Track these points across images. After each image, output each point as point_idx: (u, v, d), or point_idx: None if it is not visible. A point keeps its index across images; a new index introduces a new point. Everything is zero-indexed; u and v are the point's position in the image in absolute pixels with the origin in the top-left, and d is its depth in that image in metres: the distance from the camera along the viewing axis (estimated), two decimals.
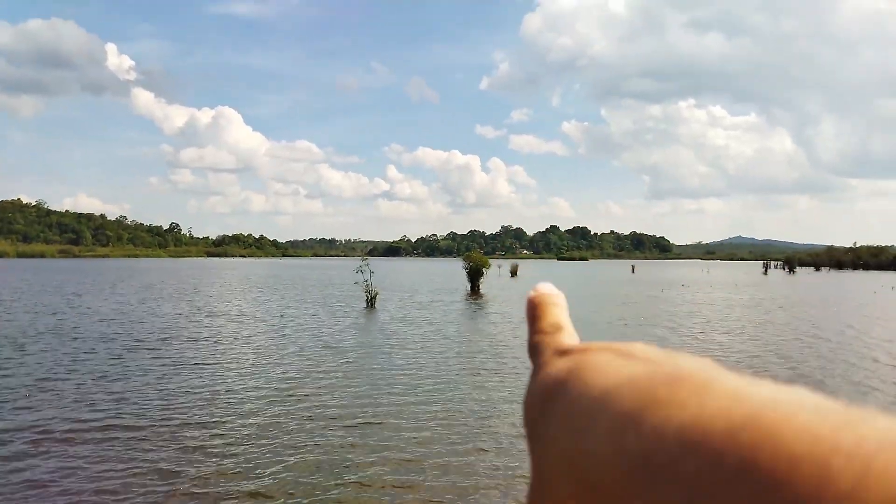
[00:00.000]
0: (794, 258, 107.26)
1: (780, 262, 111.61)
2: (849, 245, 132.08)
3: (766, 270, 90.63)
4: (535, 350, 0.31)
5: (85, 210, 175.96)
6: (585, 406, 0.23)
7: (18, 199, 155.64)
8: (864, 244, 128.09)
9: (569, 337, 0.31)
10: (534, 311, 0.34)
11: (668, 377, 0.21)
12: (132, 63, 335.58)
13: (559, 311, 0.34)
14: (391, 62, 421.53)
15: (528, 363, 0.30)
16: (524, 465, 6.63)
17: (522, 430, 0.28)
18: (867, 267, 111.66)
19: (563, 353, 0.28)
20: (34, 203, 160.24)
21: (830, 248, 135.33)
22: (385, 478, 6.37)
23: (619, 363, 0.24)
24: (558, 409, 0.25)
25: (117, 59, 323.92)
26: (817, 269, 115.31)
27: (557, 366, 0.27)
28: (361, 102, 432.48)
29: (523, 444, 6.03)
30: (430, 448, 7.25)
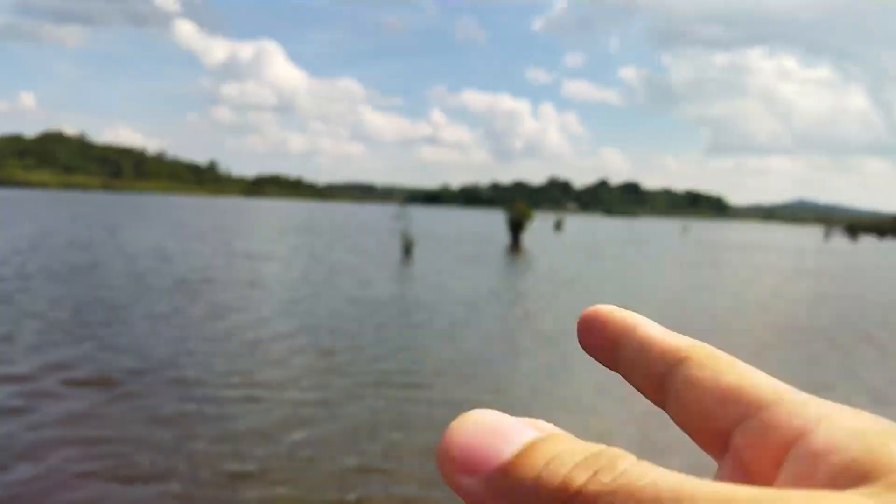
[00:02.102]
0: (857, 224, 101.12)
1: (841, 228, 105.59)
2: None
3: (826, 237, 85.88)
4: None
5: (125, 143, 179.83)
6: None
7: (60, 130, 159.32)
8: None
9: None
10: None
11: None
12: None
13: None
14: (440, 1, 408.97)
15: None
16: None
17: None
18: None
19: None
20: (76, 135, 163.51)
21: None
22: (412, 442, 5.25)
23: None
24: None
25: None
26: (881, 236, 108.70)
27: None
28: (407, 42, 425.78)
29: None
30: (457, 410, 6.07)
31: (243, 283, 15.19)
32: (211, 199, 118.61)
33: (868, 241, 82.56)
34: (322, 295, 14.06)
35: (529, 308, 14.01)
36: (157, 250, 21.51)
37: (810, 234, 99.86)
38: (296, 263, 20.33)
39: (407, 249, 24.30)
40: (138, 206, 60.29)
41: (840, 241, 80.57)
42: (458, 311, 12.69)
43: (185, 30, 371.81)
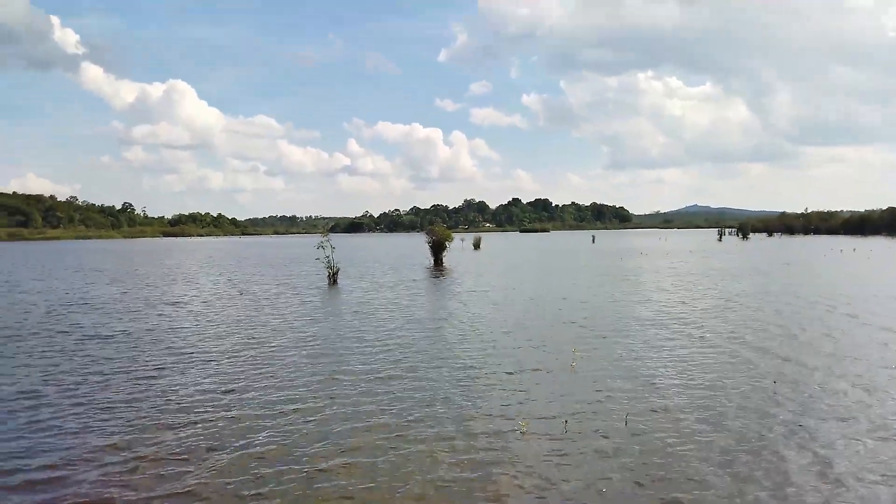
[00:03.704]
0: (747, 224, 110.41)
1: (734, 229, 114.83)
2: (800, 211, 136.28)
3: (720, 237, 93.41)
4: None
5: (34, 191, 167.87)
6: None
7: None
8: (815, 210, 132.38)
9: None
10: None
11: None
12: (77, 37, 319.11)
13: None
14: (347, 35, 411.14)
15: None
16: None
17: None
18: (818, 232, 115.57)
19: None
20: None
21: (783, 215, 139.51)
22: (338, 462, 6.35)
23: None
24: None
25: (62, 33, 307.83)
26: (770, 234, 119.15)
27: None
28: (319, 77, 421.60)
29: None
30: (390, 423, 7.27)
31: (155, 328, 15.61)
32: (128, 242, 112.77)
33: (757, 239, 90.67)
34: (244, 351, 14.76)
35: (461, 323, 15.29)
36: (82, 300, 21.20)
37: (706, 237, 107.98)
38: (216, 300, 20.66)
39: (333, 277, 25.13)
40: (48, 253, 57.02)
41: (732, 239, 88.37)
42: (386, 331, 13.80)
43: (92, 73, 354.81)
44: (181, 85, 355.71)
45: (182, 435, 6.86)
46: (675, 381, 8.95)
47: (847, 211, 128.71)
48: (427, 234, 37.17)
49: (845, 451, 6.30)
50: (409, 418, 7.35)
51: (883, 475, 5.71)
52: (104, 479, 5.78)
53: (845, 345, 11.50)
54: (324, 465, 6.01)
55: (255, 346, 11.69)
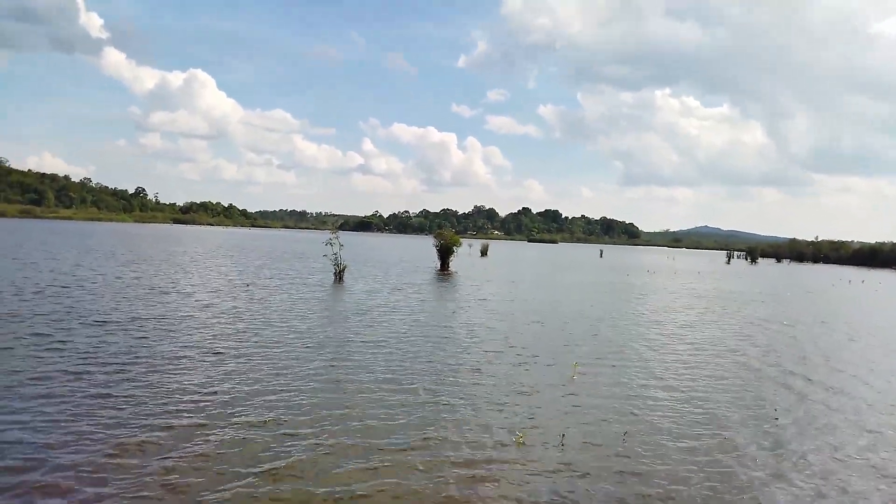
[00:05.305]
0: (756, 249, 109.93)
1: (743, 253, 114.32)
2: (811, 239, 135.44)
3: (729, 260, 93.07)
4: None
5: (49, 171, 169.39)
6: None
7: None
8: (826, 239, 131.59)
9: None
10: None
11: None
12: (102, 21, 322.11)
13: None
14: (370, 35, 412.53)
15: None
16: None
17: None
18: (827, 260, 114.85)
19: None
20: None
21: (793, 241, 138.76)
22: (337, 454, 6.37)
23: None
24: None
25: (87, 17, 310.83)
26: (779, 260, 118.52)
27: None
28: (338, 74, 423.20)
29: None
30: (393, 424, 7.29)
31: (159, 317, 15.72)
32: (138, 226, 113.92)
33: (765, 264, 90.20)
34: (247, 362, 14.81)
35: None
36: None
37: (714, 258, 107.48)
38: (222, 293, 20.76)
39: (339, 275, 25.20)
40: (61, 233, 57.63)
41: (740, 263, 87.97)
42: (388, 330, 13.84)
43: (114, 58, 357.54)
44: (201, 74, 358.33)
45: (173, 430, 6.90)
46: (677, 401, 8.91)
47: (857, 242, 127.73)
48: (435, 237, 37.20)
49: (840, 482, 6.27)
50: (402, 422, 7.37)
51: None
52: (98, 469, 5.83)
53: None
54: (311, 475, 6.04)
55: (254, 340, 11.75)
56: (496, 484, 5.81)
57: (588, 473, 6.17)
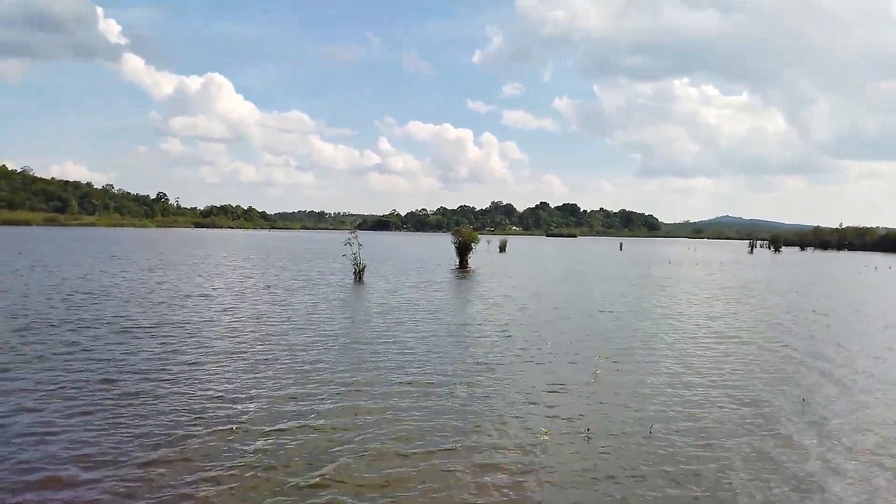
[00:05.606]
0: (779, 238, 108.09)
1: (766, 242, 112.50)
2: (835, 226, 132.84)
3: (752, 249, 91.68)
4: None
5: (71, 178, 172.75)
6: None
7: (3, 165, 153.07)
8: (851, 225, 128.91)
9: None
10: None
11: None
12: (120, 28, 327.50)
13: None
14: (385, 35, 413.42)
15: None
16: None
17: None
18: (852, 247, 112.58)
19: None
20: (20, 170, 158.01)
21: (817, 229, 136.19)
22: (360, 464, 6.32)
23: None
24: None
25: (105, 24, 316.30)
26: (802, 248, 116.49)
27: None
28: (353, 74, 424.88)
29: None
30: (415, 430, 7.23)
31: (184, 322, 15.83)
32: (161, 231, 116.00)
33: (788, 253, 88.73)
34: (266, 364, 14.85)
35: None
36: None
37: (736, 248, 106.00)
38: (243, 294, 20.89)
39: (359, 275, 25.25)
40: (85, 240, 58.70)
41: (764, 252, 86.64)
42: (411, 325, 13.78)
43: (133, 64, 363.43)
44: (219, 78, 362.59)
45: (201, 439, 6.92)
46: (704, 394, 8.73)
47: (883, 228, 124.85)
48: (453, 234, 37.13)
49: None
50: (429, 421, 7.30)
51: None
52: (122, 475, 5.85)
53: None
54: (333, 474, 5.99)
55: (281, 344, 11.77)
56: (524, 479, 5.71)
57: (613, 465, 6.05)
